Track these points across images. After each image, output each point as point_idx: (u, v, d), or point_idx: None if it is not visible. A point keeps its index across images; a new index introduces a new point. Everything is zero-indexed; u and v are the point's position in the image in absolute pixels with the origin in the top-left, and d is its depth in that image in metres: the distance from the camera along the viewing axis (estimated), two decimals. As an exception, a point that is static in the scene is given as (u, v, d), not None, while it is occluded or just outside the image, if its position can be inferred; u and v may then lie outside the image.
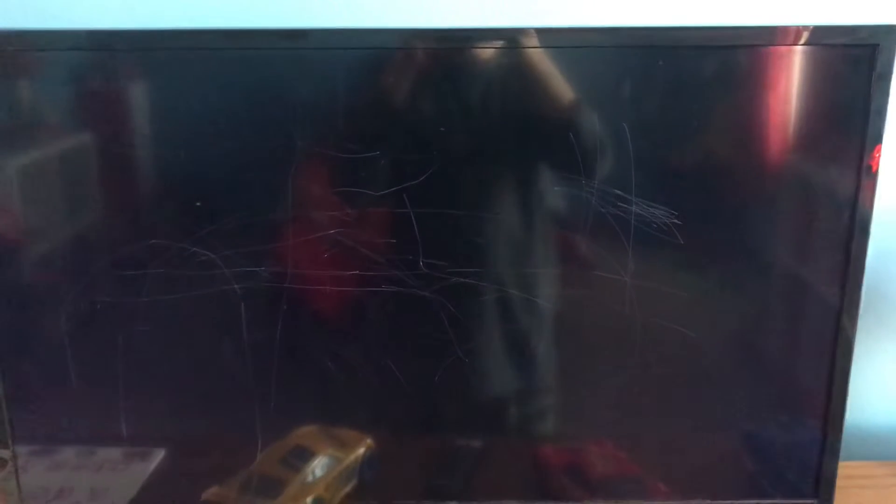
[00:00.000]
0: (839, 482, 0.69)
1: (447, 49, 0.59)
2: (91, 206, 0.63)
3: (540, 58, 0.58)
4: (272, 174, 0.61)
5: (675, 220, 0.62)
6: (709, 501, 0.70)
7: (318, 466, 0.69)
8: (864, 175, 0.61)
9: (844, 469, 0.69)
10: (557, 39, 0.59)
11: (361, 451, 0.69)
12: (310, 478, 0.69)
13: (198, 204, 0.61)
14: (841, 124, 0.61)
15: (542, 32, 0.58)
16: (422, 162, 0.60)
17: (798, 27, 0.58)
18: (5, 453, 0.67)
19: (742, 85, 0.60)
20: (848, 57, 0.59)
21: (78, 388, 0.66)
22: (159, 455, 0.69)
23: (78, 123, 0.62)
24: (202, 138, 0.61)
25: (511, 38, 0.58)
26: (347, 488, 0.70)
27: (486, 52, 0.59)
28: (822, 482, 0.69)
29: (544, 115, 0.60)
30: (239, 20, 0.74)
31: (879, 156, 0.61)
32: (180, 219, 0.62)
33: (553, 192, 0.62)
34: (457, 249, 0.63)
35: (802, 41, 0.58)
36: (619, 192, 0.61)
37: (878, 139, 0.61)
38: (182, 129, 0.61)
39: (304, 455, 0.69)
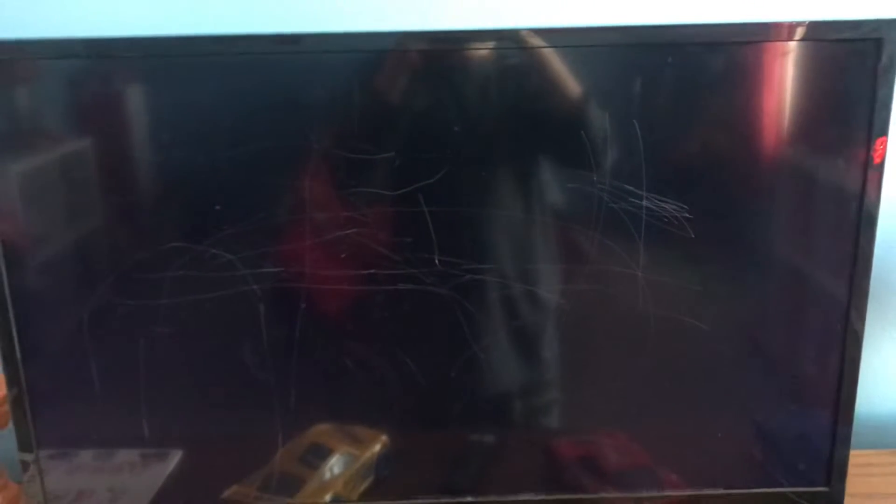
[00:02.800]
0: (848, 470, 0.70)
1: (458, 50, 0.60)
2: (111, 212, 0.64)
3: (551, 57, 0.59)
4: (289, 176, 0.62)
5: (686, 215, 0.63)
6: (722, 491, 0.71)
7: (336, 464, 0.70)
8: (869, 168, 0.62)
9: (853, 458, 0.70)
10: (568, 39, 0.60)
11: (378, 447, 0.70)
12: (328, 475, 0.70)
13: (216, 207, 0.62)
14: (847, 118, 0.62)
15: (552, 32, 0.59)
16: (436, 162, 0.61)
17: (804, 23, 0.59)
18: (29, 457, 0.68)
19: (749, 80, 0.61)
20: (853, 51, 0.60)
21: (100, 391, 0.67)
22: (178, 455, 0.70)
23: (95, 131, 0.62)
24: (218, 142, 0.61)
25: (521, 38, 0.59)
26: (365, 485, 0.71)
27: (497, 52, 0.60)
28: (833, 471, 0.69)
29: (556, 113, 0.61)
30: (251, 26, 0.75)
31: (884, 148, 0.62)
32: (199, 222, 0.63)
33: (565, 189, 0.62)
34: (471, 247, 0.64)
35: (808, 36, 0.59)
36: (630, 187, 0.62)
37: (883, 132, 0.61)
38: (196, 134, 0.62)
39: (321, 453, 0.70)
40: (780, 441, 0.70)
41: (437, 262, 0.63)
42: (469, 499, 0.70)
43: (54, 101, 0.62)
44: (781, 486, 0.71)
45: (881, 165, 0.62)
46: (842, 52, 0.60)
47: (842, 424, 0.68)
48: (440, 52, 0.60)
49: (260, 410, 0.68)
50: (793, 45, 0.60)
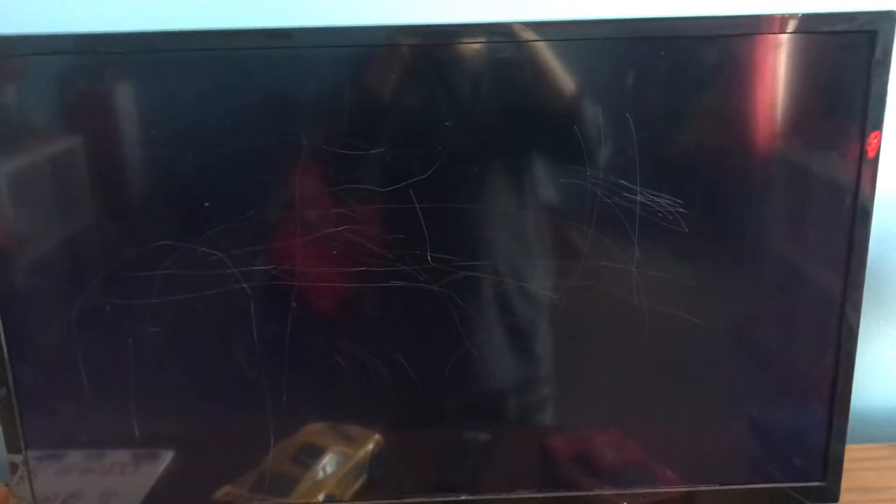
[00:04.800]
0: (844, 465, 0.69)
1: (450, 45, 0.59)
2: (99, 210, 0.63)
3: (543, 51, 0.59)
4: (279, 173, 0.61)
5: (680, 209, 0.62)
6: (717, 487, 0.70)
7: (329, 463, 0.69)
8: (864, 162, 0.62)
9: (848, 452, 0.70)
10: (559, 33, 0.59)
11: (371, 446, 0.70)
12: (321, 475, 0.70)
13: (205, 204, 0.61)
14: (841, 111, 0.61)
15: (544, 26, 0.59)
16: (427, 157, 0.60)
17: (797, 15, 0.59)
18: (17, 458, 0.67)
19: (743, 73, 0.61)
20: (847, 44, 0.60)
21: (89, 392, 0.66)
22: (170, 456, 0.69)
23: (84, 127, 0.62)
24: (207, 139, 0.61)
25: (513, 32, 0.59)
26: (358, 484, 0.71)
27: (489, 46, 0.59)
28: (829, 465, 0.69)
29: (548, 108, 0.61)
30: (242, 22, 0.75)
31: (878, 142, 0.62)
32: (188, 220, 0.62)
33: (558, 184, 0.62)
34: (464, 243, 0.63)
35: (802, 29, 0.59)
36: (623, 182, 0.61)
37: (878, 125, 0.61)
38: (185, 130, 0.61)
39: (314, 452, 0.69)
40: (776, 436, 0.70)
41: (429, 258, 0.63)
42: (463, 497, 0.70)
43: (42, 97, 0.61)
44: (777, 481, 0.70)
45: (875, 159, 0.62)
46: (836, 44, 0.60)
47: (837, 419, 0.68)
48: (431, 46, 0.60)
49: (251, 410, 0.67)
50: (786, 37, 0.60)
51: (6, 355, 0.65)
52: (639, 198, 0.62)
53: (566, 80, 0.60)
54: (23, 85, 0.60)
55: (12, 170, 0.62)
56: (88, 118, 0.61)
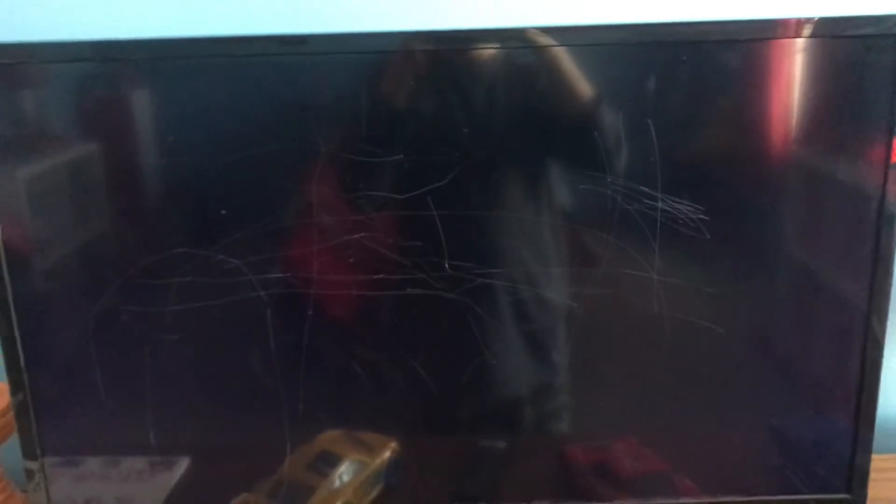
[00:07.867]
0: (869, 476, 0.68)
1: (467, 50, 0.59)
2: (116, 217, 0.63)
3: (561, 57, 0.58)
4: (296, 180, 0.61)
5: (702, 216, 0.61)
6: (740, 498, 0.69)
7: (346, 471, 0.69)
8: (889, 167, 0.61)
9: (874, 462, 0.68)
10: (578, 38, 0.59)
11: (387, 454, 0.69)
12: (337, 483, 0.69)
13: (222, 212, 0.61)
14: (866, 116, 0.60)
15: (561, 31, 0.58)
16: (445, 164, 0.60)
17: (823, 19, 0.58)
18: (34, 465, 0.67)
19: (766, 78, 0.60)
20: (873, 48, 0.59)
21: (106, 398, 0.66)
22: (186, 463, 0.69)
23: (102, 134, 0.62)
24: (224, 145, 0.61)
25: (531, 37, 0.58)
26: (375, 492, 0.70)
27: (507, 52, 0.59)
28: (854, 477, 0.68)
29: (568, 114, 0.60)
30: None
31: (903, 147, 0.61)
32: (206, 227, 0.62)
33: (578, 190, 0.61)
34: (482, 251, 0.63)
35: (827, 33, 0.58)
36: (644, 188, 0.61)
37: (903, 130, 0.60)
38: (203, 137, 0.61)
39: (331, 460, 0.69)
40: (800, 447, 0.69)
41: (446, 266, 0.62)
42: (480, 506, 0.69)
43: (60, 104, 0.61)
44: (801, 492, 0.69)
45: (902, 165, 0.61)
46: (862, 48, 0.59)
47: (863, 429, 0.67)
48: (449, 52, 0.59)
49: (268, 417, 0.67)
50: (811, 41, 0.59)
51: (23, 361, 0.65)
52: (660, 204, 0.61)
53: (585, 86, 0.59)
54: (41, 92, 0.61)
55: (31, 176, 0.62)
56: (105, 125, 0.62)
